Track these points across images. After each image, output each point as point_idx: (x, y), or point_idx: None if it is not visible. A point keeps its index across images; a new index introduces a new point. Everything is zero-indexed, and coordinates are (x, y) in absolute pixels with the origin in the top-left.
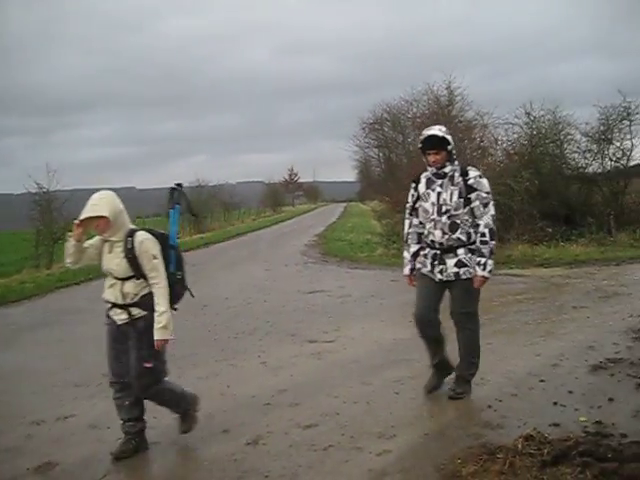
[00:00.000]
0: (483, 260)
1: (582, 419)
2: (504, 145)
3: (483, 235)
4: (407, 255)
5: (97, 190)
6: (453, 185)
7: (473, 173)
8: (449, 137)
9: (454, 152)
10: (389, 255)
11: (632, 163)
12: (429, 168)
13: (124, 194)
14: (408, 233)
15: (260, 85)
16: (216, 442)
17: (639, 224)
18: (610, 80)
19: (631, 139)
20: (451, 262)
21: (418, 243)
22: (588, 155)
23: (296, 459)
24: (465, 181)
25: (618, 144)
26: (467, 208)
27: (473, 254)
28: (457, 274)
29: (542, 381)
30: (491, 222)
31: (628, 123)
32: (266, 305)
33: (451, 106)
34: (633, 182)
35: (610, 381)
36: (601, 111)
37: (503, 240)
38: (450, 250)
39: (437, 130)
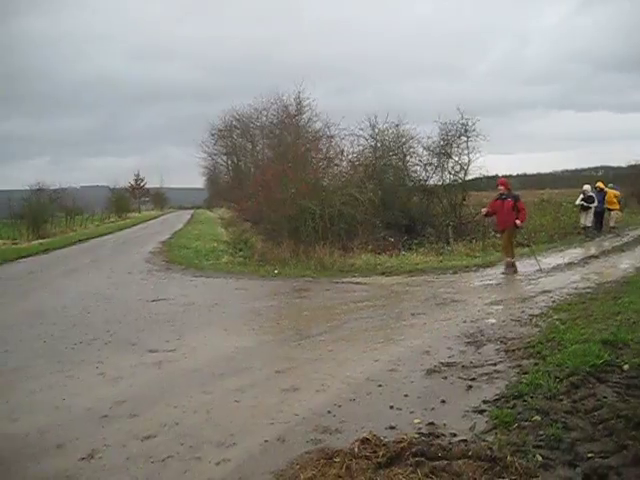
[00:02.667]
0: None
1: (416, 421)
2: (350, 156)
3: None
4: None
5: None
6: None
7: None
8: None
9: None
10: (235, 263)
11: (469, 177)
12: None
13: None
14: None
15: (112, 89)
16: (48, 458)
17: (474, 235)
18: (449, 100)
19: (468, 154)
20: None
21: None
22: (429, 168)
23: (133, 472)
24: None
25: (457, 158)
26: None
27: None
28: None
29: (380, 386)
30: None
31: (465, 139)
32: (107, 314)
33: (299, 116)
34: (470, 195)
35: (443, 384)
36: (441, 127)
37: (347, 249)
38: None
39: None
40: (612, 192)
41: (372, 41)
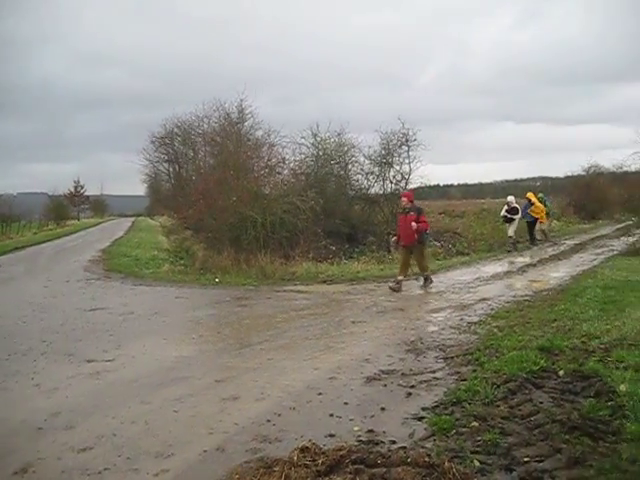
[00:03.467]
0: None
1: (356, 429)
2: (291, 165)
3: None
4: None
5: None
6: None
7: None
8: None
9: None
10: (175, 272)
11: (410, 186)
12: None
13: None
14: None
15: (52, 94)
16: None
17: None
18: (392, 109)
19: (409, 163)
20: None
21: None
22: (371, 177)
23: None
24: None
25: (398, 168)
26: None
27: None
28: None
29: (320, 394)
30: None
31: (407, 149)
32: (43, 324)
33: (241, 124)
34: None
35: (383, 391)
36: (383, 136)
37: (288, 257)
38: None
39: None
40: (537, 203)
41: (315, 51)
